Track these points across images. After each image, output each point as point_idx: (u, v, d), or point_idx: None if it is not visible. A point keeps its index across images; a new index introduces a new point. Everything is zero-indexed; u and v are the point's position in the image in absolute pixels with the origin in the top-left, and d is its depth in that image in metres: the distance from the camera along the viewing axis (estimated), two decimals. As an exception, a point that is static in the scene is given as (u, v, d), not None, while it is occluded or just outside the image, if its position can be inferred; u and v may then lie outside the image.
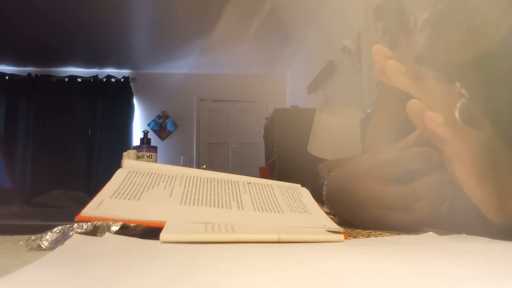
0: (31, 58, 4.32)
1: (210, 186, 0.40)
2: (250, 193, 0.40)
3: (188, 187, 0.39)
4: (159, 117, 4.75)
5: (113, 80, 4.70)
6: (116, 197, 0.34)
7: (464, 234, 0.33)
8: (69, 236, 0.26)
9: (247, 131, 4.82)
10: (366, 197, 0.41)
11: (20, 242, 0.26)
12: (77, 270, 0.18)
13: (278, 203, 0.39)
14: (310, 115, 2.11)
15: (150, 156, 1.16)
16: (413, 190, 0.38)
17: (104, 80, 4.68)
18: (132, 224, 0.29)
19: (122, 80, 4.70)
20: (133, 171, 0.40)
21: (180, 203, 0.35)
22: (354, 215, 0.44)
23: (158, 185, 0.38)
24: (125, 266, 0.19)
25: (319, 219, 0.37)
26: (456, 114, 0.31)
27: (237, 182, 0.43)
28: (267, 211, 0.37)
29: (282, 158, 2.77)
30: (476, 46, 0.54)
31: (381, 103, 0.75)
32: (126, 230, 0.29)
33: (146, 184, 0.37)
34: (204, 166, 4.52)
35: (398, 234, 0.37)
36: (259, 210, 0.37)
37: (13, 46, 3.94)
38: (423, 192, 0.38)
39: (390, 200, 0.39)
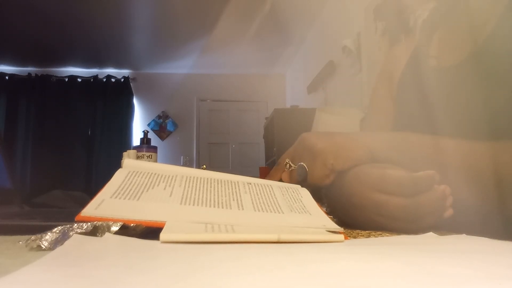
0: (31, 58, 4.32)
1: (210, 186, 0.40)
2: (250, 193, 0.40)
3: (188, 187, 0.39)
4: (159, 117, 4.75)
5: (113, 80, 4.70)
6: (116, 197, 0.34)
7: (464, 234, 0.33)
8: (69, 236, 0.26)
9: (247, 131, 4.82)
10: (368, 204, 0.41)
11: (20, 242, 0.26)
12: (77, 270, 0.18)
13: (278, 204, 0.39)
14: (310, 115, 2.11)
15: (150, 156, 1.16)
16: (417, 204, 0.38)
17: (104, 80, 4.68)
18: (132, 224, 0.29)
19: (122, 80, 4.70)
20: (133, 171, 0.40)
21: (180, 203, 0.35)
22: (351, 217, 0.44)
23: (158, 185, 0.38)
24: (125, 266, 0.19)
25: (319, 219, 0.37)
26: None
27: (237, 182, 0.43)
28: (267, 211, 0.37)
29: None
30: (464, 46, 0.55)
31: (374, 104, 0.76)
32: (126, 230, 0.29)
33: (146, 184, 0.37)
34: (204, 166, 4.51)
35: (398, 234, 0.37)
36: (259, 210, 0.37)
37: (13, 46, 3.93)
38: (427, 207, 0.38)
39: (394, 211, 0.39)
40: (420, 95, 0.60)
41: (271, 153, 3.02)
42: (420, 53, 0.65)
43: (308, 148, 0.49)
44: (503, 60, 0.48)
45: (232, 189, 0.40)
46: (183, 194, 0.36)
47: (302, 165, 0.49)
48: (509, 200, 0.41)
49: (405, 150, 0.47)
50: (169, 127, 4.76)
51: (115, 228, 0.28)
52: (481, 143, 0.44)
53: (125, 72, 4.72)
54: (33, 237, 0.26)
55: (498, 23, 0.50)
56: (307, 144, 0.49)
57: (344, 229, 0.36)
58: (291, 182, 0.50)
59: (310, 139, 0.49)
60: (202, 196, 0.37)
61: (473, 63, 0.52)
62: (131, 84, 4.71)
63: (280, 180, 0.52)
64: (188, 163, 4.60)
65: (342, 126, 1.87)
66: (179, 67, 4.59)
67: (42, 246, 0.25)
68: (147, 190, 0.36)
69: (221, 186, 0.41)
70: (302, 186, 0.46)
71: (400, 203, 0.39)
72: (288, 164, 0.52)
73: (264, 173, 3.02)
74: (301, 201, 0.42)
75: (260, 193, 0.41)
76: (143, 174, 0.40)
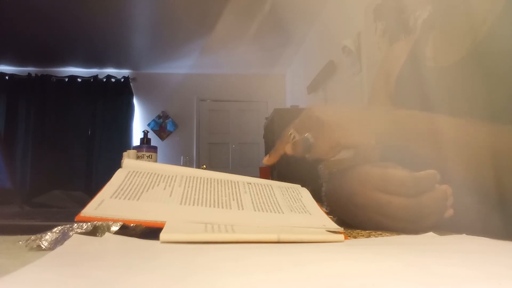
0: (31, 58, 4.31)
1: (210, 186, 0.40)
2: (250, 193, 0.40)
3: (188, 187, 0.39)
4: (159, 117, 4.75)
5: (113, 80, 4.70)
6: (116, 197, 0.34)
7: (464, 234, 0.33)
8: (69, 236, 0.26)
9: (247, 131, 4.82)
10: (370, 203, 0.41)
11: (20, 242, 0.26)
12: (77, 270, 0.18)
13: (278, 203, 0.39)
14: (310, 115, 2.11)
15: (150, 156, 1.16)
16: (419, 204, 0.38)
17: (104, 80, 4.68)
18: (132, 224, 0.29)
19: (122, 80, 4.70)
20: (133, 171, 0.40)
21: (180, 203, 0.35)
22: (352, 216, 0.44)
23: (158, 185, 0.38)
24: (125, 266, 0.19)
25: (319, 219, 0.37)
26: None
27: (237, 182, 0.43)
28: (267, 211, 0.37)
29: (282, 158, 2.77)
30: (463, 44, 0.55)
31: (372, 102, 0.76)
32: (126, 230, 0.29)
33: (146, 184, 0.37)
34: (204, 166, 4.51)
35: (398, 234, 0.37)
36: (259, 210, 0.37)
37: (13, 46, 3.93)
38: (429, 207, 0.38)
39: (396, 211, 0.39)
40: (417, 93, 0.60)
41: (271, 153, 3.02)
42: (418, 52, 0.65)
43: (314, 120, 0.48)
44: (501, 58, 0.48)
45: (232, 189, 0.40)
46: (183, 194, 0.36)
47: (307, 137, 0.48)
48: (509, 197, 0.41)
49: (410, 131, 0.47)
50: (169, 127, 4.75)
51: (115, 228, 0.28)
52: (483, 127, 0.44)
53: (125, 72, 4.72)
54: (33, 237, 0.26)
55: (496, 22, 0.50)
56: (314, 116, 0.49)
57: (344, 229, 0.36)
58: (294, 154, 0.50)
59: (317, 112, 0.49)
60: (202, 196, 0.37)
61: (471, 62, 0.52)
62: (131, 84, 4.71)
63: (284, 153, 0.52)
64: (188, 163, 4.59)
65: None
66: (179, 67, 4.59)
67: (42, 246, 0.25)
68: (147, 190, 0.36)
69: (221, 186, 0.41)
70: (305, 158, 0.46)
71: (403, 203, 0.39)
72: (292, 135, 0.51)
73: (264, 173, 3.02)
74: (301, 201, 0.42)
75: (260, 193, 0.41)
76: (143, 174, 0.40)
